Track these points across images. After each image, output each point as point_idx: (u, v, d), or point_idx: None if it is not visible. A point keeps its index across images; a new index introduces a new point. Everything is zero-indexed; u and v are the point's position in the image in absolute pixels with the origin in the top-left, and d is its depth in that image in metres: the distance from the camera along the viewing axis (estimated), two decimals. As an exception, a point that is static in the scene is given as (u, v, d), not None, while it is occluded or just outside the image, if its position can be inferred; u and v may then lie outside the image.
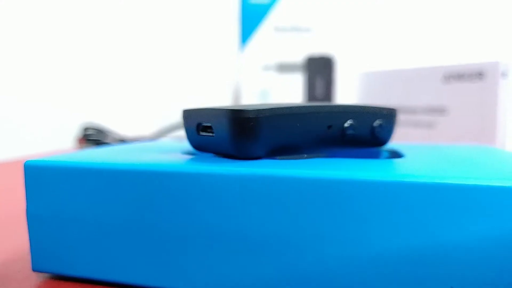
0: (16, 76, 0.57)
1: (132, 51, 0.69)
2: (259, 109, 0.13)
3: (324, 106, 0.15)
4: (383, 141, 0.17)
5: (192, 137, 0.16)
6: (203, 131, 0.15)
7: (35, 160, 0.15)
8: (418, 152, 0.17)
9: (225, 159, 0.14)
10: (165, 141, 0.22)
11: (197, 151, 0.17)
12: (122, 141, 0.48)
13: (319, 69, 0.45)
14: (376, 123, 0.16)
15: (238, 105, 0.15)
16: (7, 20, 0.55)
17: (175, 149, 0.17)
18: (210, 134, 0.15)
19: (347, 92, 0.46)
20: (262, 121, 0.13)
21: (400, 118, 0.41)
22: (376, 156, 0.18)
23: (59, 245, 0.14)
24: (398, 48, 0.51)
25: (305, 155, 0.15)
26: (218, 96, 0.66)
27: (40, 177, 0.14)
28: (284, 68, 0.45)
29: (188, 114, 0.16)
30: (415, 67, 0.40)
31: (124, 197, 0.13)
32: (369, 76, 0.44)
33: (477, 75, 0.34)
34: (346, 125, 0.15)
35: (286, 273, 0.12)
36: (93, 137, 0.49)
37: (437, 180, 0.11)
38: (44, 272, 0.15)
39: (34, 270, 0.15)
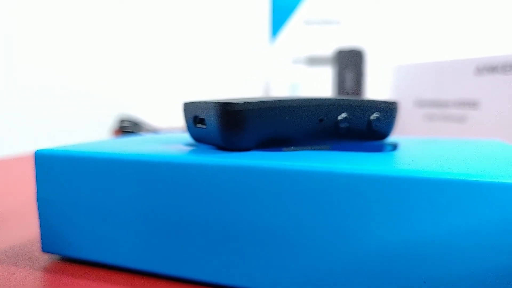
0: (58, 72, 0.60)
1: (165, 46, 0.70)
2: (246, 102, 0.14)
3: (314, 99, 0.15)
4: (382, 134, 0.17)
5: (191, 129, 0.16)
6: (199, 123, 0.16)
7: (44, 149, 0.16)
8: (415, 146, 0.16)
9: (215, 151, 0.15)
10: (175, 133, 0.23)
11: (197, 143, 0.18)
12: (155, 132, 0.50)
13: (349, 62, 0.44)
14: (373, 116, 0.16)
15: (229, 98, 0.15)
16: (55, 15, 0.58)
17: (179, 141, 0.18)
18: (204, 126, 0.15)
19: (377, 85, 0.45)
20: (248, 114, 0.14)
21: (431, 111, 0.39)
22: (377, 149, 0.17)
23: (67, 228, 0.15)
24: (429, 40, 0.49)
25: (292, 148, 0.15)
26: (248, 89, 0.67)
27: (48, 165, 0.16)
28: (313, 61, 0.45)
29: (187, 107, 0.16)
30: (446, 59, 0.38)
31: (121, 184, 0.14)
32: (400, 69, 0.43)
33: (511, 66, 0.32)
34: (339, 118, 0.15)
35: (269, 261, 0.13)
36: (128, 129, 0.51)
37: (406, 174, 0.11)
38: (52, 253, 0.16)
39: (43, 251, 0.16)
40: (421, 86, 0.40)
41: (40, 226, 0.16)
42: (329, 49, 0.46)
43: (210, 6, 0.69)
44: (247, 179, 0.12)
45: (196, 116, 0.16)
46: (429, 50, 0.50)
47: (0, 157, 0.44)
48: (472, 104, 0.36)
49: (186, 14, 0.70)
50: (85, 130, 0.60)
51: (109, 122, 0.62)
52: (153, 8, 0.69)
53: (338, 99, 0.15)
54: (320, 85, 0.46)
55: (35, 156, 0.16)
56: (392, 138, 0.20)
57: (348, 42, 0.45)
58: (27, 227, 0.20)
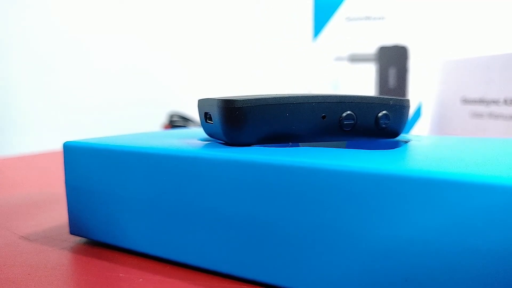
0: (120, 74, 0.64)
1: (213, 46, 0.72)
2: (246, 99, 0.14)
3: (316, 96, 0.15)
4: (392, 132, 0.17)
5: (203, 125, 0.17)
6: (208, 119, 0.16)
7: (71, 141, 0.17)
8: (430, 145, 0.16)
9: (219, 145, 0.15)
10: (195, 129, 0.24)
11: (210, 138, 0.18)
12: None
13: (392, 59, 0.44)
14: (381, 114, 0.16)
15: (234, 95, 0.16)
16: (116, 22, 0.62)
17: (194, 136, 0.19)
18: (211, 122, 0.16)
19: (422, 82, 0.44)
20: (248, 111, 0.14)
21: (479, 109, 0.38)
22: (387, 147, 0.17)
23: (91, 214, 0.17)
24: (476, 35, 0.46)
25: (290, 143, 0.15)
26: (291, 87, 0.67)
27: (75, 155, 0.17)
28: (356, 58, 0.45)
29: (200, 104, 0.17)
30: (496, 54, 0.36)
31: (137, 174, 0.15)
32: (447, 64, 0.41)
33: None
34: (344, 115, 0.15)
35: (264, 253, 0.13)
36: (177, 123, 0.53)
37: (384, 171, 0.11)
38: (79, 236, 0.17)
39: (71, 233, 0.18)
40: (468, 82, 0.39)
41: (68, 211, 0.18)
42: (373, 46, 0.45)
43: (253, 6, 0.70)
44: (239, 173, 0.13)
45: (206, 113, 0.16)
46: (476, 46, 0.48)
47: (55, 149, 0.47)
48: (523, 102, 0.34)
49: (229, 14, 0.72)
50: (141, 124, 0.63)
51: (162, 118, 0.65)
52: (198, 9, 0.72)
53: (342, 96, 0.15)
54: (363, 82, 0.46)
55: (64, 147, 0.17)
56: (421, 136, 0.19)
57: (392, 39, 0.44)
58: (63, 213, 0.22)
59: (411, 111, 0.43)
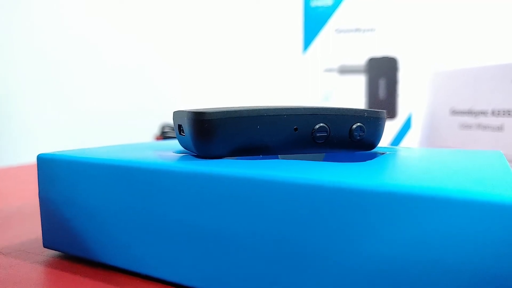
0: (110, 82, 0.64)
1: (202, 58, 0.73)
2: (215, 112, 0.14)
3: (287, 108, 0.15)
4: (368, 144, 0.17)
5: (178, 137, 0.17)
6: (182, 132, 0.16)
7: (45, 153, 0.17)
8: (406, 158, 0.16)
9: (189, 158, 0.15)
10: (171, 141, 0.23)
11: (184, 150, 0.18)
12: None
13: (382, 70, 0.44)
14: (356, 126, 0.16)
15: (204, 108, 0.16)
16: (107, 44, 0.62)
17: (171, 148, 0.19)
18: (184, 135, 0.16)
19: (412, 93, 0.44)
20: (217, 123, 0.14)
21: (468, 120, 0.37)
22: (362, 160, 0.17)
23: (64, 226, 0.17)
24: (466, 47, 0.47)
25: (260, 156, 0.15)
26: (281, 99, 0.67)
27: (48, 167, 0.17)
28: (346, 70, 0.45)
29: (174, 116, 0.17)
30: (484, 65, 0.36)
31: (111, 187, 0.15)
32: (437, 75, 0.41)
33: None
34: (316, 127, 0.15)
35: (232, 266, 0.13)
36: (169, 135, 0.53)
37: (349, 185, 0.11)
38: (53, 249, 0.17)
39: (45, 246, 0.17)
40: (457, 93, 0.39)
41: (42, 223, 0.17)
42: (363, 57, 0.45)
43: (243, 19, 0.71)
44: (205, 186, 0.13)
45: (180, 125, 0.16)
46: (466, 57, 0.48)
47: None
48: (511, 113, 0.34)
49: (219, 27, 0.72)
50: (133, 135, 0.63)
51: (156, 128, 0.65)
52: (191, 22, 0.72)
53: (314, 108, 0.15)
54: (353, 94, 0.46)
55: (37, 159, 0.17)
56: (401, 148, 0.19)
57: (383, 50, 0.44)
58: (34, 227, 0.21)
59: (402, 122, 0.43)
